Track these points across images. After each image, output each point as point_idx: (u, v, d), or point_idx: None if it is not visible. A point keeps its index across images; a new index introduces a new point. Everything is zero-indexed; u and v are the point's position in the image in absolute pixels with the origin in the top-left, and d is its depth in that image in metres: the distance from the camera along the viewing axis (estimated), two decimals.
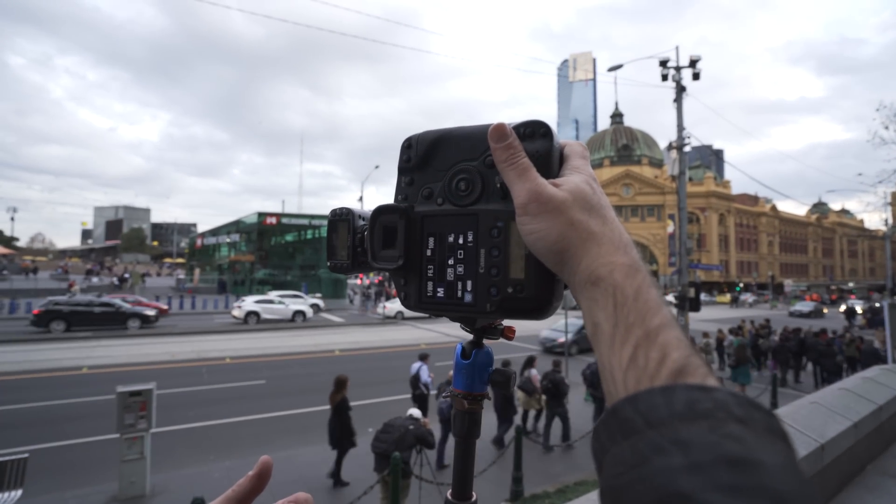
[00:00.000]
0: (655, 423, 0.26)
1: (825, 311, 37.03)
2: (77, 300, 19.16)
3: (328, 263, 0.54)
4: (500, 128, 0.42)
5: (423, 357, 8.16)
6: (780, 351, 13.22)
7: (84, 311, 18.26)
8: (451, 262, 0.46)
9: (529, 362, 8.44)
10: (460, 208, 0.46)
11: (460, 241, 0.46)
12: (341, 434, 6.09)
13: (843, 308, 38.27)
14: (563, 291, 0.45)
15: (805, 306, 36.38)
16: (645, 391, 0.28)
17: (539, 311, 0.43)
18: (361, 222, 0.52)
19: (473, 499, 0.52)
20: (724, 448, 0.23)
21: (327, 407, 6.25)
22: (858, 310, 35.36)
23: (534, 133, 0.44)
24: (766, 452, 0.23)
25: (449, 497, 0.52)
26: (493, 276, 0.44)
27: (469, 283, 0.45)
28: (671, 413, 0.26)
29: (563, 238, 0.38)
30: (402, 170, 0.51)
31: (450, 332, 19.45)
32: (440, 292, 0.47)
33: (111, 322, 18.65)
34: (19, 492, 4.97)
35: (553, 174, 0.43)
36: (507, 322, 0.55)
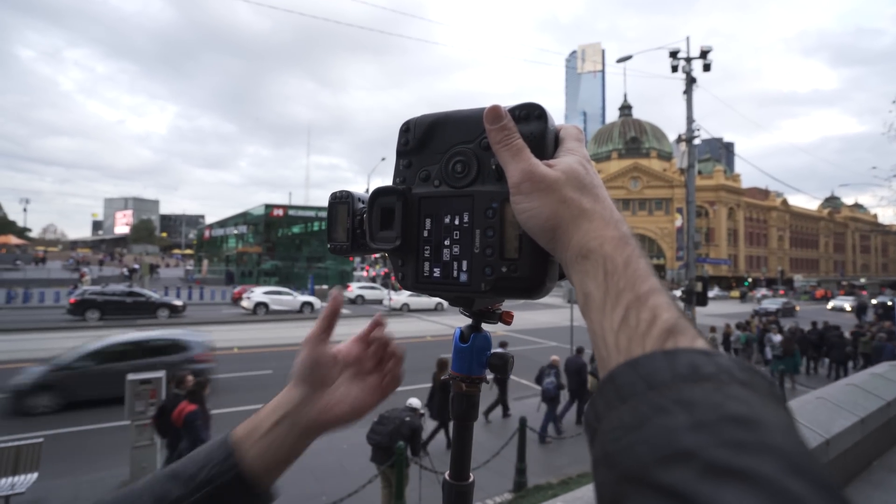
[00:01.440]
0: (657, 385, 0.25)
1: (797, 308, 32.90)
2: (110, 290, 19.94)
3: (328, 245, 0.54)
4: (495, 109, 0.43)
5: (503, 344, 9.06)
6: (802, 343, 13.72)
7: (117, 301, 19.03)
8: (447, 242, 0.47)
9: (580, 351, 9.57)
10: (456, 190, 0.47)
11: (456, 221, 0.46)
12: (443, 408, 6.93)
13: (830, 305, 37.07)
14: (558, 273, 0.46)
15: (773, 303, 32.77)
16: (646, 355, 0.27)
17: (532, 290, 0.44)
18: (361, 205, 0.53)
19: (471, 479, 0.53)
20: (729, 407, 0.23)
21: None
22: (847, 307, 33.60)
23: (528, 115, 0.44)
24: (770, 414, 0.23)
25: (447, 478, 0.53)
26: (488, 256, 0.45)
27: (465, 263, 0.46)
28: (674, 375, 0.25)
29: (555, 215, 0.39)
30: (400, 153, 0.51)
31: (454, 324, 19.46)
32: (436, 272, 0.47)
33: (142, 311, 19.30)
34: (35, 475, 5.10)
35: (548, 155, 0.43)
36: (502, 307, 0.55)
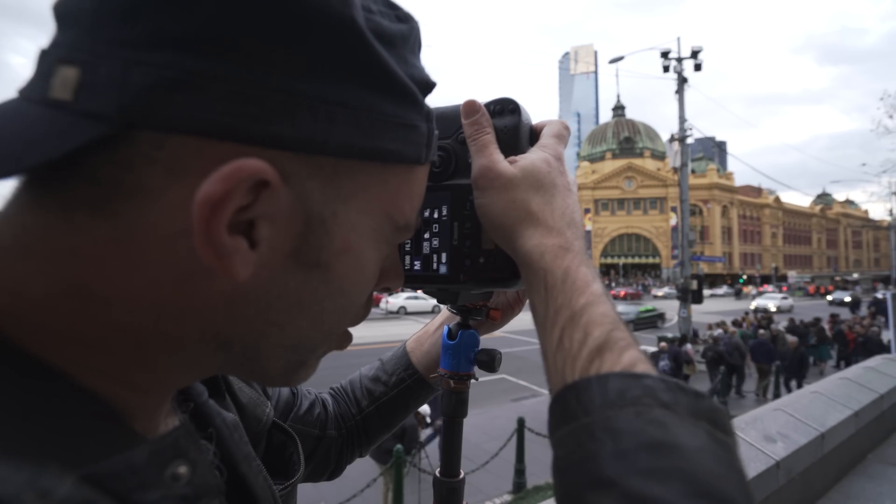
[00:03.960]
0: (590, 411, 0.28)
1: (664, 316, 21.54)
2: None
3: None
4: (470, 104, 0.44)
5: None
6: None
7: None
8: (426, 235, 0.47)
9: (684, 339, 11.05)
10: (435, 184, 0.47)
11: (435, 215, 0.47)
12: None
13: (752, 305, 30.14)
14: None
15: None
16: (582, 380, 0.30)
17: (510, 280, 0.45)
18: None
19: (461, 476, 0.54)
20: (647, 434, 0.26)
21: None
22: (772, 306, 28.22)
23: (503, 110, 0.45)
24: (686, 435, 0.26)
25: (437, 475, 0.54)
26: (467, 248, 0.45)
27: (444, 256, 0.46)
28: (604, 401, 0.28)
29: (503, 214, 0.40)
30: None
31: None
32: (417, 265, 0.48)
33: None
34: None
35: (521, 149, 0.44)
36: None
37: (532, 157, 0.42)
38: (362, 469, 6.06)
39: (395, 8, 0.31)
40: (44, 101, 0.23)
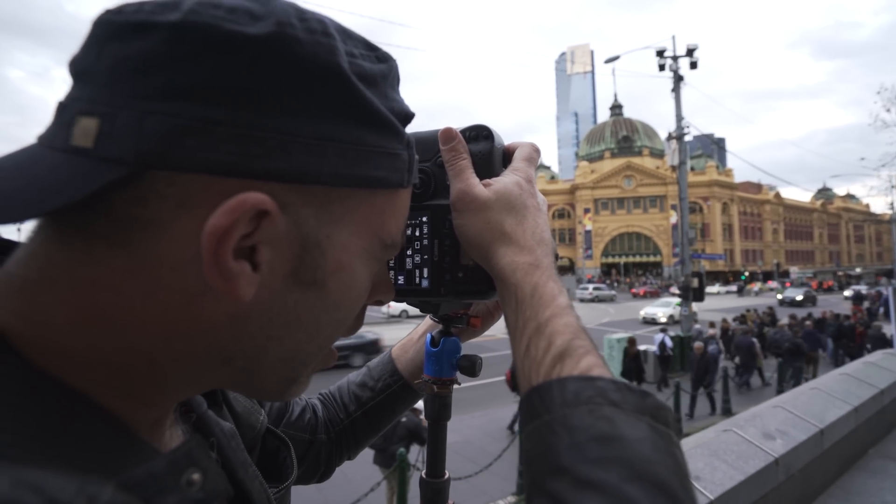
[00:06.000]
0: (551, 409, 0.33)
1: None
2: None
3: None
4: (447, 132, 0.47)
5: (664, 329, 11.51)
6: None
7: None
8: (409, 252, 0.50)
9: (749, 331, 12.35)
10: (416, 204, 0.50)
11: (417, 233, 0.50)
12: (637, 375, 9.39)
13: (641, 315, 23.71)
14: None
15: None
16: (547, 382, 0.34)
17: (487, 292, 0.48)
18: None
19: (446, 476, 0.56)
20: (596, 428, 0.30)
21: None
22: (662, 316, 21.81)
23: (478, 136, 0.48)
24: (630, 429, 0.30)
25: (423, 476, 0.56)
26: (447, 264, 0.48)
27: (425, 271, 0.49)
28: (563, 401, 0.32)
29: (480, 234, 0.44)
30: None
31: None
32: (401, 280, 0.51)
33: None
34: None
35: (494, 171, 0.48)
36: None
37: (505, 181, 0.46)
38: (367, 472, 6.06)
39: (375, 49, 0.34)
40: (65, 149, 0.26)
